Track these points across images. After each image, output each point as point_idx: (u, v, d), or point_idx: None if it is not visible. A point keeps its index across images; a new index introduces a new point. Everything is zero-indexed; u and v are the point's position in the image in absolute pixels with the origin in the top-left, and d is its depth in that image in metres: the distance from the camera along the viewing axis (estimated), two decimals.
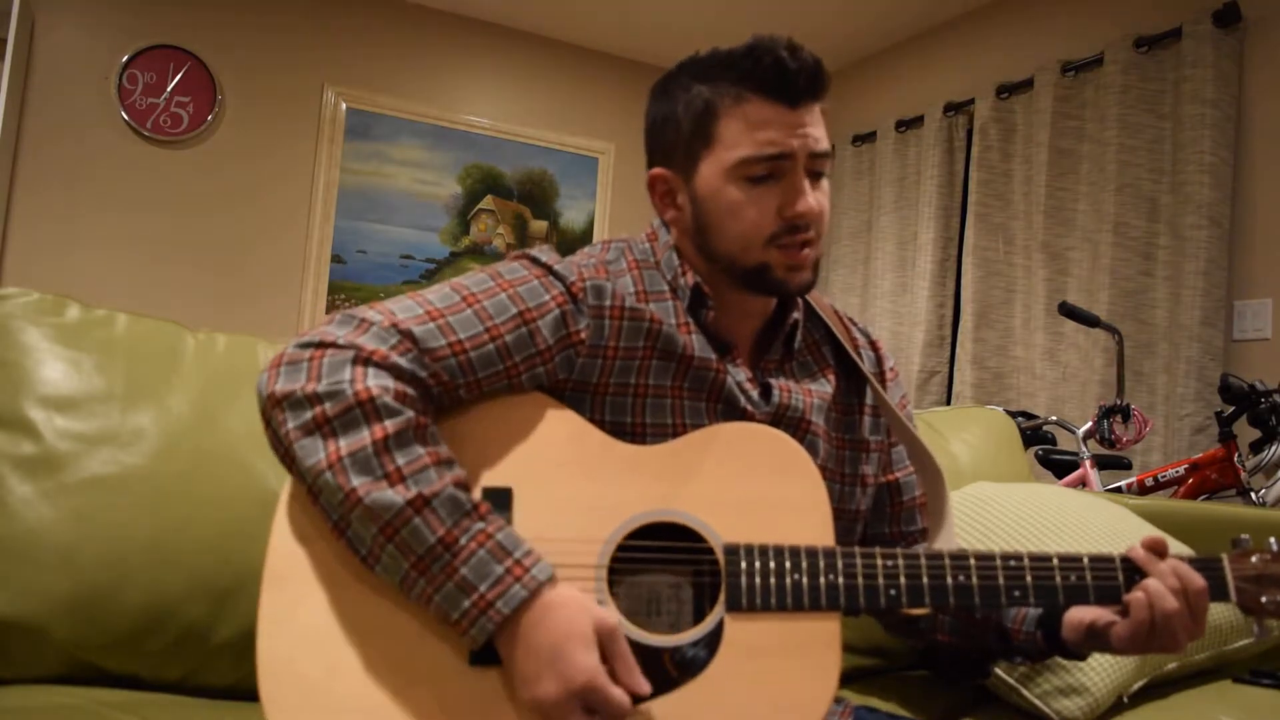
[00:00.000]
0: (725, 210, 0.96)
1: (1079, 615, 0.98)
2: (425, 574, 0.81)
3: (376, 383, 0.83)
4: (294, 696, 0.80)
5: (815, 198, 0.96)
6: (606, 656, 0.81)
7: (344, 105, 4.26)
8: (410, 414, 0.84)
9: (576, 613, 0.81)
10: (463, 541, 0.81)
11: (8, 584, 1.02)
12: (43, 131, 3.75)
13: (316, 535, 0.85)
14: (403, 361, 0.86)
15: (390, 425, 0.82)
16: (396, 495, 0.80)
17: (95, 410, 1.11)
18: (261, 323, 3.96)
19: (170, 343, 1.20)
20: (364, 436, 0.81)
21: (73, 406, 1.11)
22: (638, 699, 0.82)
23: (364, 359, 0.84)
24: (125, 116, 3.87)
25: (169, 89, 3.94)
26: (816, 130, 0.96)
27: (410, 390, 0.85)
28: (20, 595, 1.02)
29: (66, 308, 1.18)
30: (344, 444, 0.81)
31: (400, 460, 0.81)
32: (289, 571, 0.84)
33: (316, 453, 0.81)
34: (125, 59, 3.87)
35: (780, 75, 0.93)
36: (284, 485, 0.87)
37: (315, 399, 0.82)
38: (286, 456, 0.84)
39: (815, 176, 0.97)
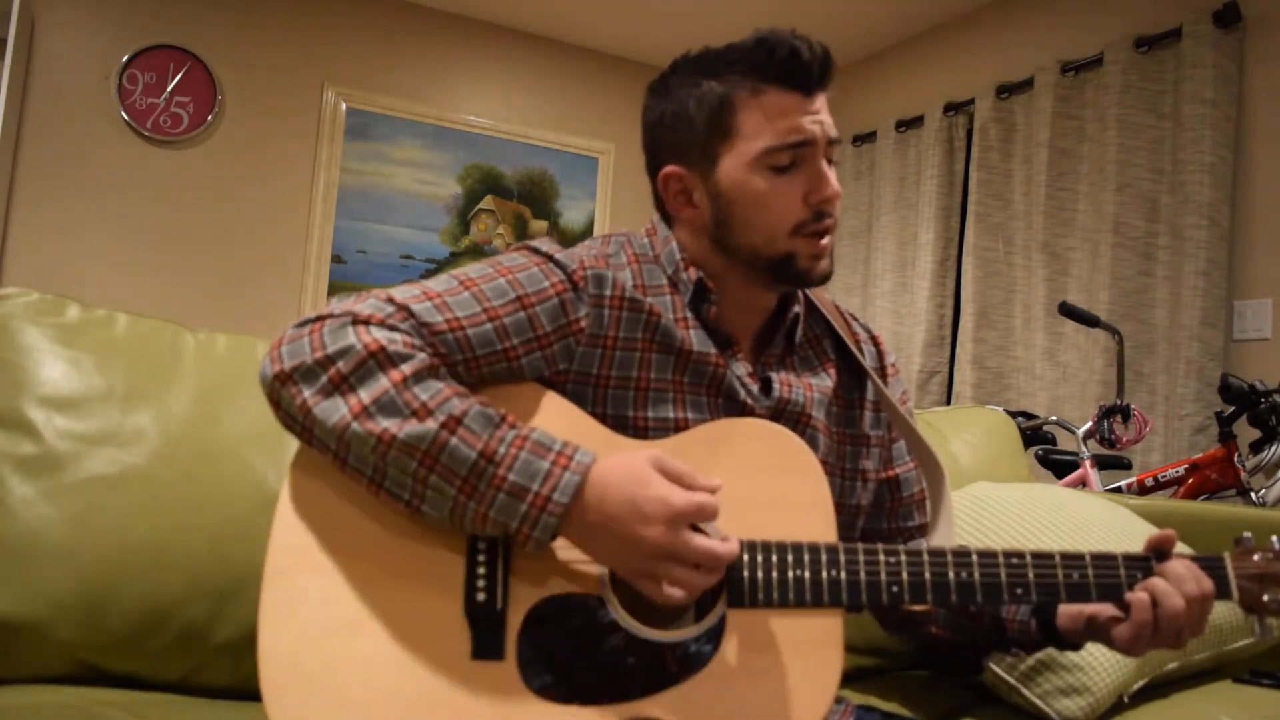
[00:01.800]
0: (751, 201, 0.96)
1: (1076, 605, 0.98)
2: (474, 494, 0.82)
3: (381, 334, 0.85)
4: (295, 692, 0.80)
5: (836, 182, 0.97)
6: (670, 479, 0.83)
7: (344, 105, 4.26)
8: (423, 355, 0.85)
9: (631, 466, 0.83)
10: (501, 450, 0.82)
11: (8, 584, 1.02)
12: (43, 131, 3.75)
13: (318, 531, 0.85)
14: (401, 325, 0.87)
15: (407, 368, 0.83)
16: (428, 424, 0.81)
17: (95, 410, 1.11)
18: (261, 322, 3.96)
19: (170, 343, 1.20)
20: (384, 382, 0.82)
21: (73, 406, 1.11)
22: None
23: (362, 320, 0.86)
24: (125, 116, 3.87)
25: (169, 89, 3.94)
26: (828, 117, 0.97)
27: (415, 340, 0.86)
28: (20, 595, 1.02)
29: (66, 308, 1.18)
30: (365, 394, 0.82)
31: (423, 396, 0.83)
32: (290, 567, 0.84)
33: (338, 410, 0.82)
34: (125, 59, 3.87)
35: (795, 65, 0.94)
36: (284, 483, 0.87)
37: (326, 362, 0.83)
38: (305, 427, 0.84)
39: (828, 163, 0.98)
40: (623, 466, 0.83)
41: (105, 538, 1.06)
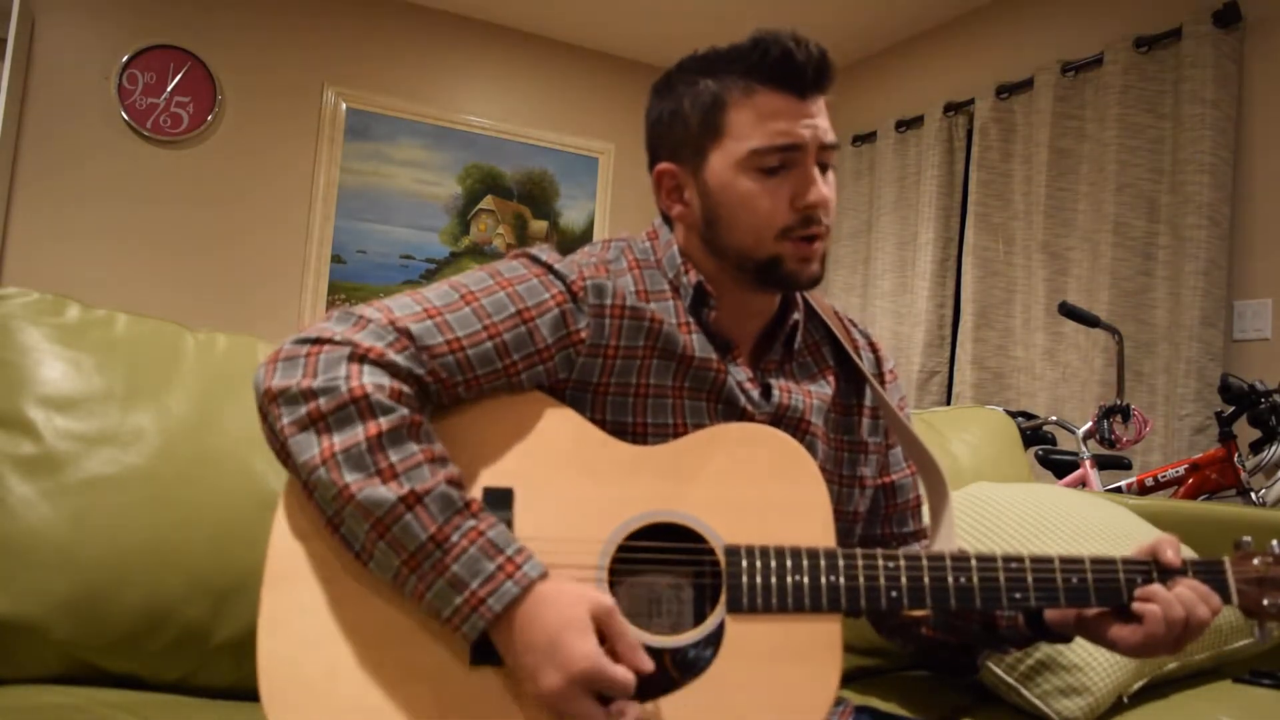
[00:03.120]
0: (737, 202, 0.95)
1: None
2: (417, 571, 0.81)
3: (371, 380, 0.83)
4: (294, 697, 0.80)
5: (826, 188, 0.96)
6: (606, 637, 0.81)
7: (344, 105, 4.26)
8: (404, 411, 0.84)
9: (571, 601, 0.81)
10: (454, 539, 0.81)
11: (8, 584, 1.02)
12: (43, 131, 3.75)
13: (316, 535, 0.85)
14: (399, 359, 0.86)
15: (384, 422, 0.82)
16: (389, 492, 0.80)
17: (95, 410, 1.11)
18: (261, 323, 3.96)
19: (170, 343, 1.20)
20: (357, 433, 0.81)
21: (73, 406, 1.11)
22: (643, 683, 0.81)
23: (360, 355, 0.84)
24: (125, 116, 3.87)
25: (169, 89, 3.94)
26: (824, 121, 0.96)
27: (405, 388, 0.85)
28: (20, 595, 1.02)
29: (66, 308, 1.18)
30: (337, 440, 0.81)
31: (394, 457, 0.82)
32: (289, 572, 0.84)
33: (310, 448, 0.82)
34: (125, 59, 3.87)
35: (789, 66, 0.93)
36: (283, 489, 0.87)
37: (310, 394, 0.82)
38: (282, 451, 0.84)
39: (823, 168, 0.96)
40: (563, 604, 0.81)
41: (105, 538, 1.06)
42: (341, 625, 0.83)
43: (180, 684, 1.10)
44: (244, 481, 1.13)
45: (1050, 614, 1.00)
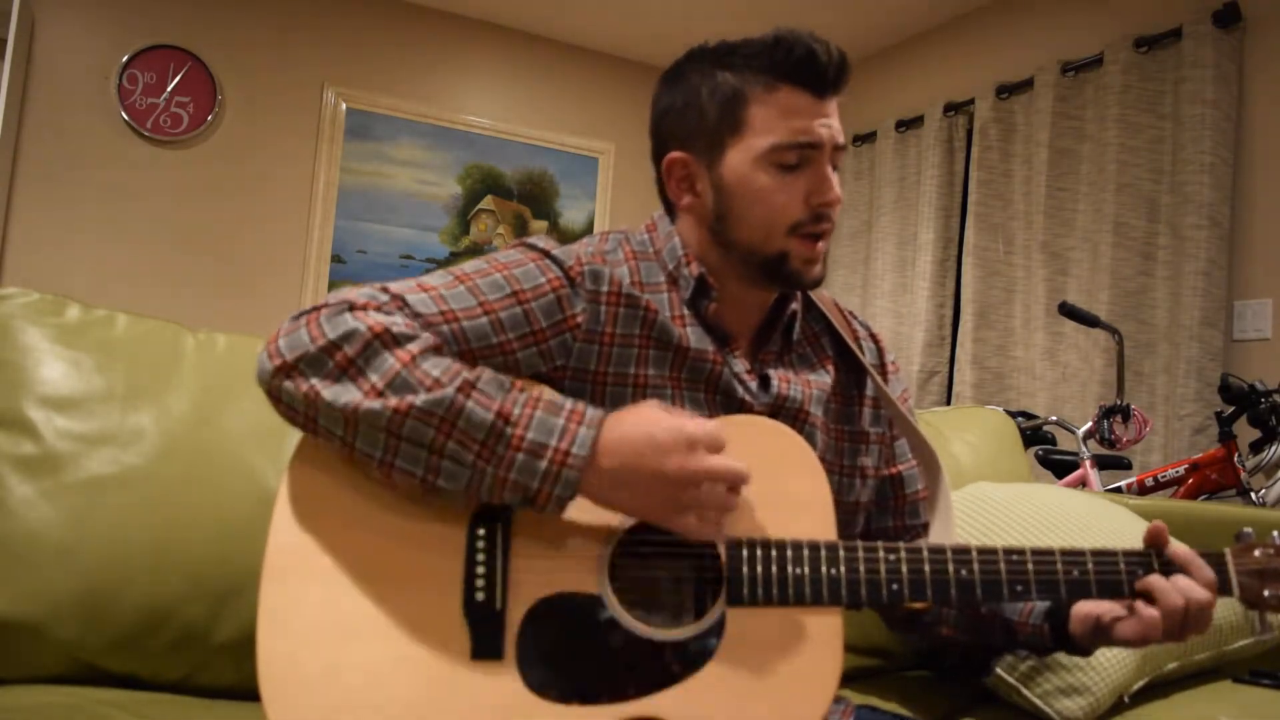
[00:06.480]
0: (753, 196, 0.96)
1: (1086, 609, 0.98)
2: (492, 457, 0.82)
3: (382, 317, 0.85)
4: (294, 695, 0.80)
5: (839, 188, 0.98)
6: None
7: (344, 105, 4.26)
8: (426, 335, 0.86)
9: (641, 410, 0.86)
10: (517, 411, 0.83)
11: (8, 584, 1.02)
12: (43, 131, 3.75)
13: (316, 532, 0.85)
14: (396, 316, 0.87)
15: (413, 347, 0.84)
16: (445, 391, 0.82)
17: (95, 410, 1.11)
18: (261, 323, 3.96)
19: (170, 343, 1.20)
20: (392, 362, 0.83)
21: (73, 406, 1.11)
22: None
23: (360, 307, 0.86)
24: (125, 116, 3.87)
25: (169, 89, 3.94)
26: (837, 122, 0.98)
27: (415, 324, 0.87)
28: (20, 595, 1.02)
29: (66, 308, 1.18)
30: (375, 377, 0.82)
31: (435, 371, 0.83)
32: (289, 569, 0.84)
33: (349, 393, 0.82)
34: (125, 59, 3.87)
35: (813, 66, 0.94)
36: (281, 483, 0.87)
37: (331, 348, 0.83)
38: (309, 417, 0.83)
39: (832, 169, 0.98)
40: (633, 413, 0.86)
41: (105, 538, 1.05)
42: (341, 621, 0.83)
43: (181, 684, 1.09)
44: (244, 481, 1.13)
45: (1074, 626, 0.99)
